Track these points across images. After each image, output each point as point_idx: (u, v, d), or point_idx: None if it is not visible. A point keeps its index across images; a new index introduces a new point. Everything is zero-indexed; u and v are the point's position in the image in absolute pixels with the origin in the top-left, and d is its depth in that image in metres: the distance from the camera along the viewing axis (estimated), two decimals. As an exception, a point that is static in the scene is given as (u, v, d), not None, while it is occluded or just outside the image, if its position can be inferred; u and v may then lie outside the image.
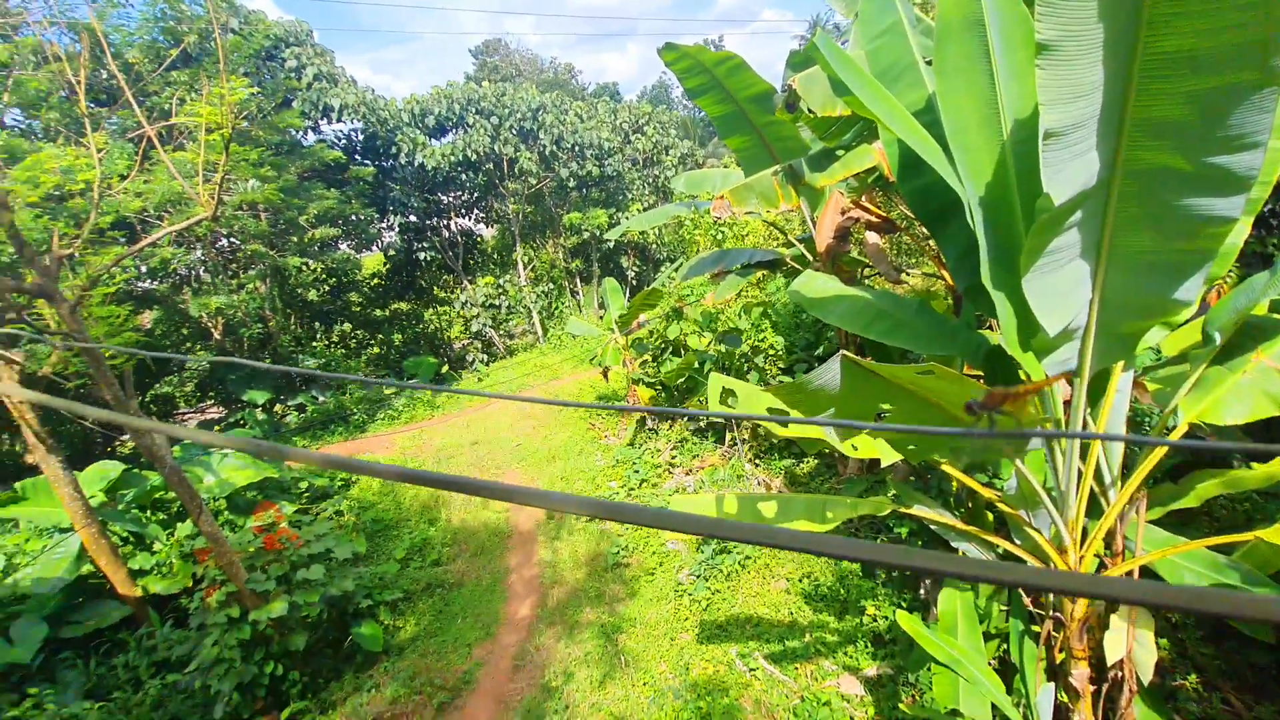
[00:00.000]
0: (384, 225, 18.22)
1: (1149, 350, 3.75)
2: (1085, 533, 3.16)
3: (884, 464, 2.31)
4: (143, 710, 6.03)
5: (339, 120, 15.90)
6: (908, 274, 10.69)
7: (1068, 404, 3.05)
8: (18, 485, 7.69)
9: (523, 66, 42.58)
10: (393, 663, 6.64)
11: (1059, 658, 3.75)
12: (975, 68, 2.60)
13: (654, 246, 22.44)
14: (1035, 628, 3.87)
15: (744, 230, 13.28)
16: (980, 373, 3.11)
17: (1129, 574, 3.36)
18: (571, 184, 19.12)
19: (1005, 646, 4.67)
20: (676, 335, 10.38)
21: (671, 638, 6.42)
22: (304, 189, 13.55)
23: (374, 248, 18.91)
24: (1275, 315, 2.77)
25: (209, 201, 4.58)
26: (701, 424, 9.96)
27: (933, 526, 3.57)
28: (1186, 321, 3.18)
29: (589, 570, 7.88)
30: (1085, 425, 3.01)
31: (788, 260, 7.35)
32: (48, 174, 4.90)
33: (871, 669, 5.46)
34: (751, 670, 5.78)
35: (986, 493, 3.09)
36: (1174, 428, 2.99)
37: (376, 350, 18.88)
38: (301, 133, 15.91)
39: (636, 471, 9.57)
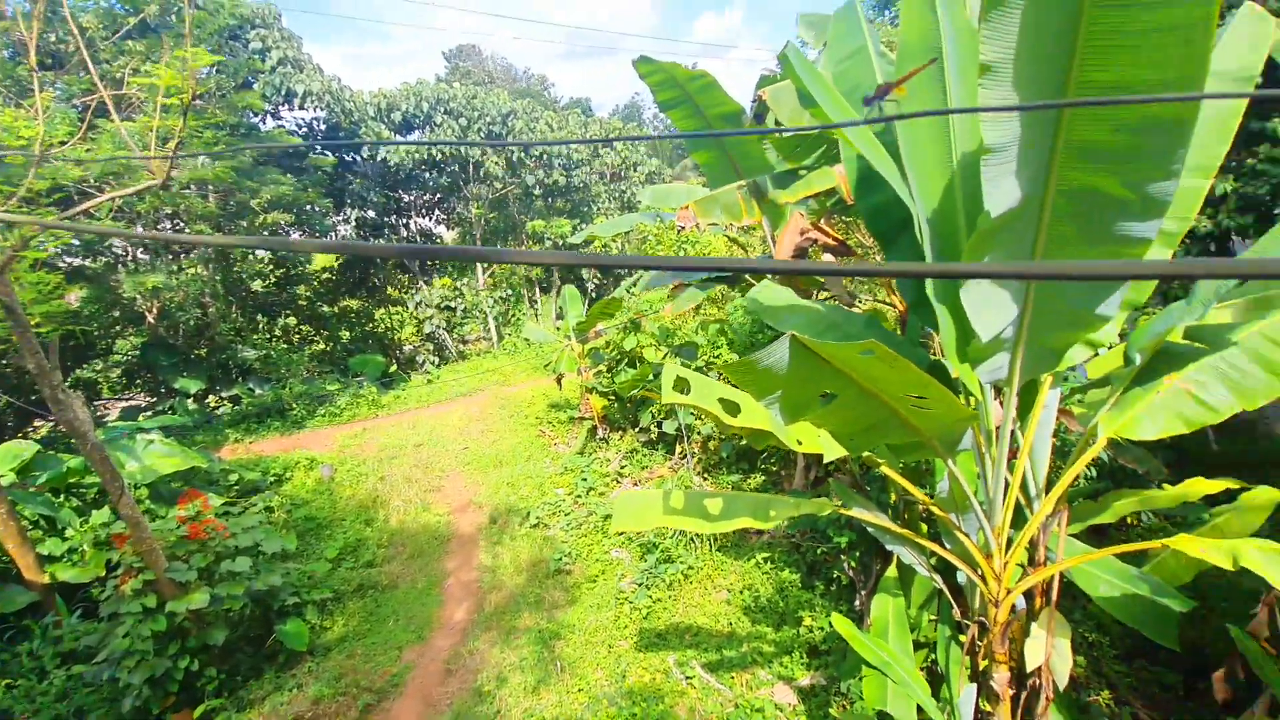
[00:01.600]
0: (340, 219, 17.77)
1: (1074, 375, 4.00)
2: (1010, 541, 3.33)
3: (825, 459, 2.40)
4: (46, 700, 5.62)
5: (302, 107, 15.51)
6: (859, 300, 11.10)
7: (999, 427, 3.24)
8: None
9: (496, 74, 42.52)
10: (317, 662, 6.36)
11: (982, 664, 3.91)
12: (930, 90, 2.78)
13: (615, 261, 22.56)
14: (961, 636, 4.03)
15: (706, 248, 13.53)
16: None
17: (1048, 581, 3.56)
18: (537, 192, 19.12)
19: (934, 656, 4.84)
20: (633, 347, 10.44)
21: (610, 645, 6.37)
22: (258, 172, 13.10)
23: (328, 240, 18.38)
24: (1188, 341, 3.02)
25: (160, 167, 4.41)
26: (652, 435, 10.01)
27: (870, 529, 3.70)
28: (1111, 347, 3.43)
29: (529, 576, 7.76)
30: (1014, 437, 3.20)
31: (747, 276, 7.52)
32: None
33: (805, 678, 5.55)
34: (688, 678, 5.79)
35: (920, 495, 3.23)
36: (1094, 442, 3.20)
37: (322, 346, 18.25)
38: (261, 117, 15.44)
39: (584, 480, 9.52)
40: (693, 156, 6.61)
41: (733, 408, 2.44)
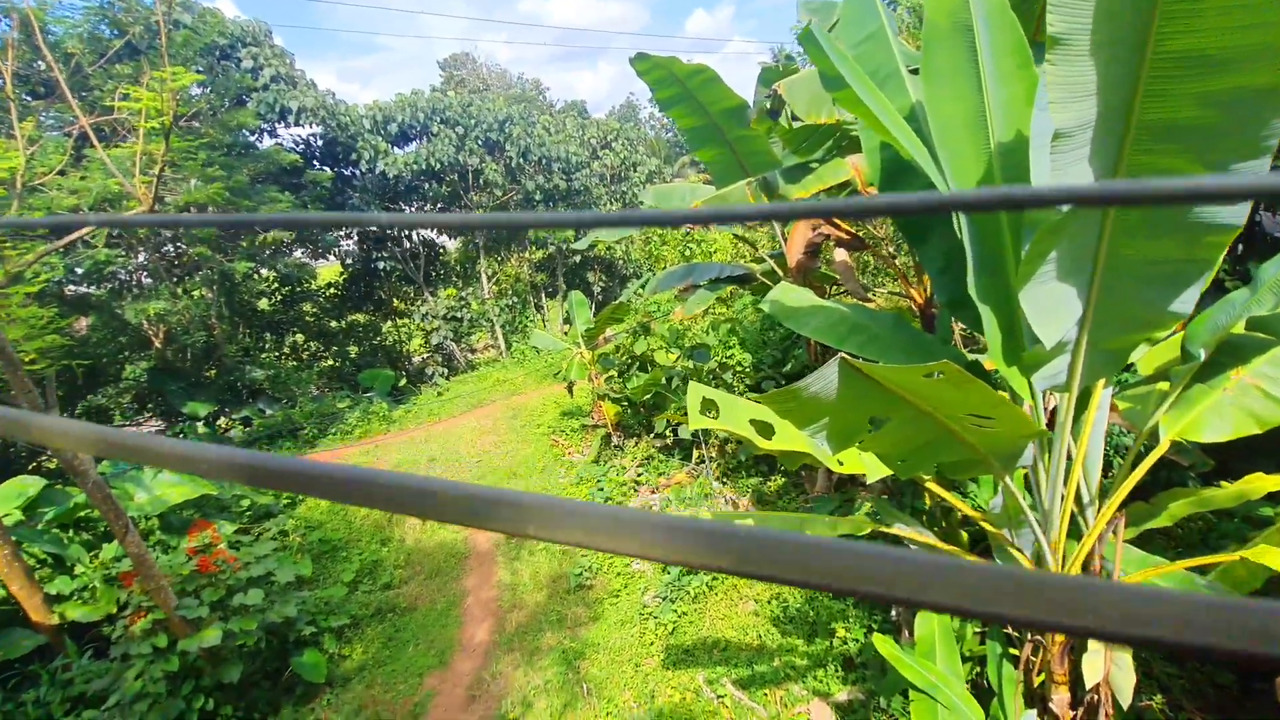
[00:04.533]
0: (342, 234, 17.66)
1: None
2: (1065, 555, 3.09)
3: (869, 480, 2.18)
4: (53, 752, 5.47)
5: (297, 124, 15.38)
6: (874, 293, 10.83)
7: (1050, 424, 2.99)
8: (-82, 503, 6.98)
9: (490, 81, 42.31)
10: (336, 694, 6.20)
11: (1036, 681, 3.67)
12: (963, 73, 2.53)
13: (620, 262, 22.36)
14: (1013, 650, 3.79)
15: (712, 247, 13.28)
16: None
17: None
18: (538, 197, 18.92)
19: (978, 670, 4.59)
20: (644, 350, 10.21)
21: (636, 664, 6.16)
22: (256, 191, 12.97)
23: (330, 256, 18.30)
24: (1253, 333, 2.76)
25: (146, 195, 4.23)
26: (668, 441, 9.79)
27: (911, 546, 3.46)
28: (1164, 339, 3.18)
29: (550, 592, 7.57)
30: (1068, 443, 2.95)
31: (757, 275, 7.29)
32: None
33: (842, 694, 5.32)
34: (719, 697, 5.57)
35: (968, 510, 2.99)
36: (1154, 446, 2.95)
37: (331, 362, 18.16)
38: (257, 135, 15.32)
39: (601, 489, 9.32)
40: (695, 155, 6.38)
41: (766, 429, 2.22)
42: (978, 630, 4.44)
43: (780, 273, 6.93)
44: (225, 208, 10.76)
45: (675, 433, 9.45)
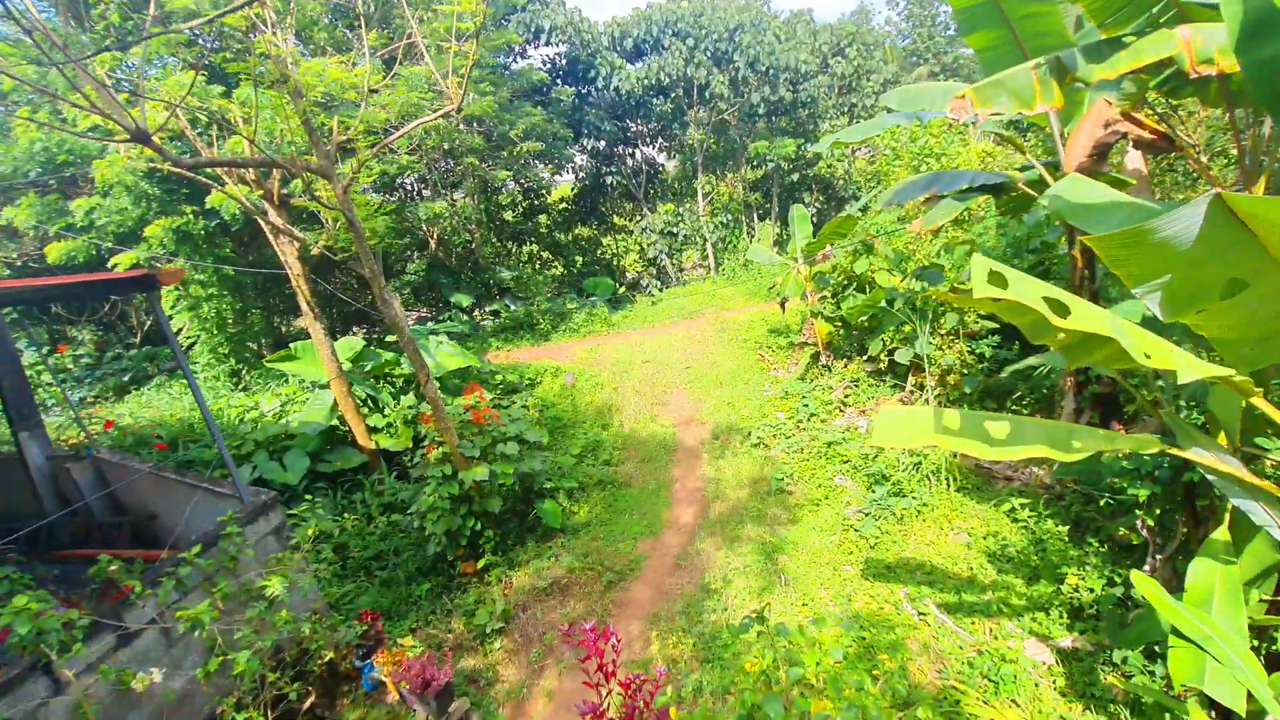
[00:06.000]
0: (576, 149, 18.94)
1: None
2: None
3: (1181, 380, 1.91)
4: (373, 539, 7.30)
5: (547, 44, 16.52)
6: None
7: None
8: (292, 345, 9.42)
9: (718, -12, 40.73)
10: (568, 540, 7.32)
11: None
12: None
13: (840, 182, 20.98)
14: (1318, 622, 3.21)
15: (955, 161, 11.86)
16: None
17: None
18: (760, 110, 18.27)
19: (1256, 643, 3.96)
20: (864, 270, 9.71)
21: (835, 568, 6.33)
22: (513, 107, 14.43)
23: (565, 171, 19.80)
24: None
25: (456, 94, 5.01)
26: (881, 365, 9.38)
27: (1210, 476, 3.03)
28: None
29: (751, 491, 7.96)
30: None
31: (1019, 185, 6.43)
32: (322, 80, 5.65)
33: (1066, 639, 4.97)
34: (921, 615, 5.54)
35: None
36: None
37: (560, 270, 20.11)
38: (512, 56, 16.81)
39: (806, 405, 9.34)
40: (967, 41, 5.66)
41: (1060, 308, 2.07)
42: (1264, 598, 3.80)
43: (1051, 181, 6.04)
44: (492, 121, 12.17)
45: (891, 356, 9.00)
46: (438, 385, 9.56)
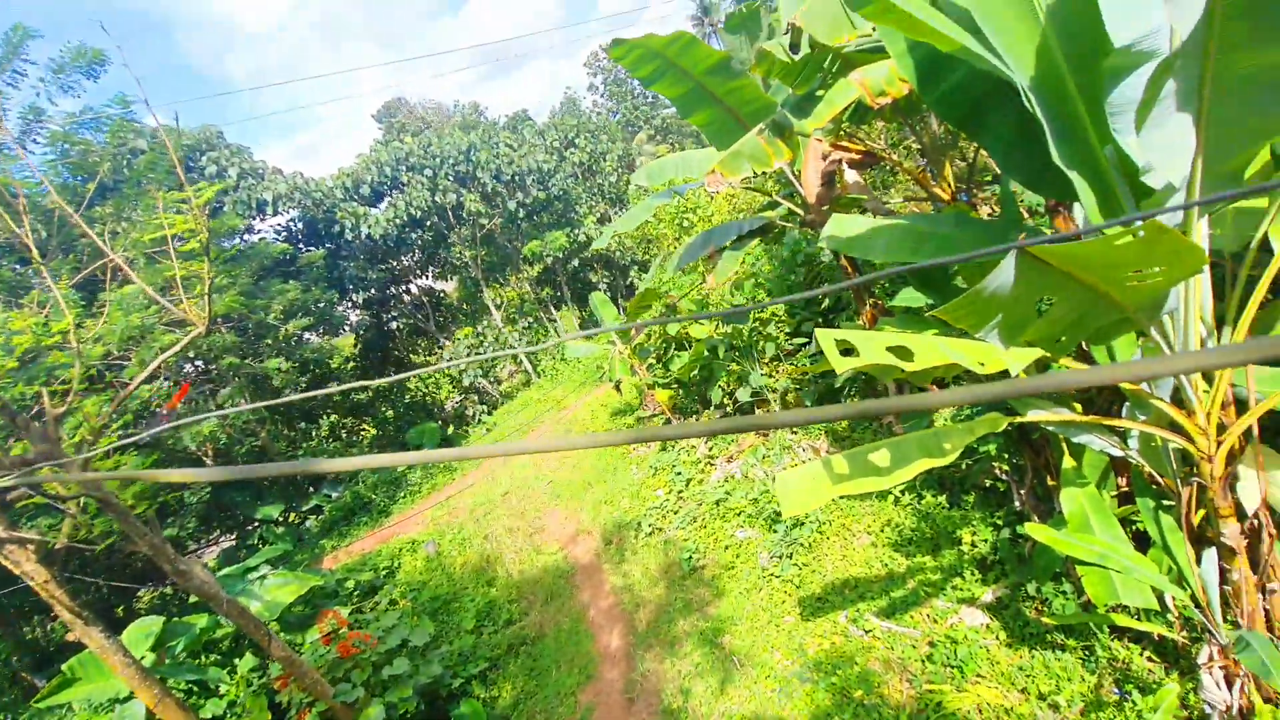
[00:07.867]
0: (348, 305, 17.81)
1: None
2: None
3: (1013, 373, 2.17)
4: None
5: (274, 214, 15.48)
6: (892, 205, 10.71)
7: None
8: (64, 667, 7.20)
9: (429, 118, 42.26)
10: (504, 733, 6.34)
11: (1196, 519, 3.64)
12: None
13: (617, 254, 22.33)
14: (1166, 502, 3.77)
15: (709, 211, 13.21)
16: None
17: (1252, 425, 3.28)
18: (521, 214, 18.90)
19: (1128, 530, 4.57)
20: (677, 330, 10.23)
21: (776, 623, 6.23)
22: (261, 288, 13.12)
23: (343, 330, 18.47)
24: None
25: (200, 316, 4.30)
26: (729, 409, 9.81)
27: (1049, 427, 3.45)
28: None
29: (666, 583, 7.65)
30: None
31: (775, 222, 7.24)
32: (18, 336, 4.58)
33: (986, 594, 5.34)
34: (867, 632, 5.62)
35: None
36: (1267, 261, 2.91)
37: (373, 431, 18.40)
38: (240, 234, 15.46)
39: (679, 473, 9.37)
40: (689, 121, 6.33)
41: (905, 354, 2.22)
42: (1112, 495, 4.42)
43: (799, 212, 6.88)
44: (244, 313, 10.89)
45: (734, 399, 9.46)
46: (278, 630, 7.92)
